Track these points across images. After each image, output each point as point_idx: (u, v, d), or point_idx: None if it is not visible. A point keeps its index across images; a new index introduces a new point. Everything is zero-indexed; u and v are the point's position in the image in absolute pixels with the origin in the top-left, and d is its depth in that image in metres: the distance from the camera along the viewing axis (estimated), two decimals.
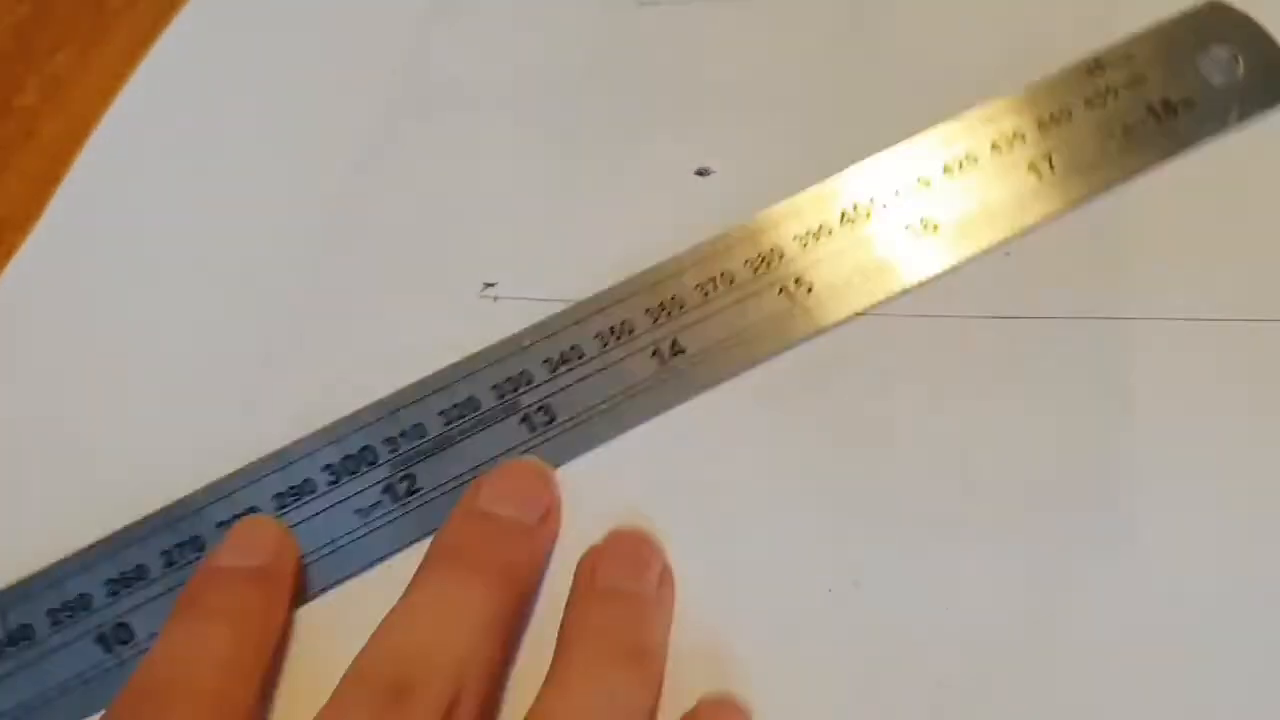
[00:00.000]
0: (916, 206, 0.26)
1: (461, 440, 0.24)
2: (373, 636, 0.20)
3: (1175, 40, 0.27)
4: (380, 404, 0.25)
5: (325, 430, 0.25)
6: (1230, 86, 0.26)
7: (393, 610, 0.21)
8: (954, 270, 0.26)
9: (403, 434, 0.24)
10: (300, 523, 0.24)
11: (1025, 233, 0.26)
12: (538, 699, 0.20)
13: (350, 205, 0.31)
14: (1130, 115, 0.26)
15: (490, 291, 0.28)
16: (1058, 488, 0.23)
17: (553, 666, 0.21)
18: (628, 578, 0.22)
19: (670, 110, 0.31)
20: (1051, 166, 0.26)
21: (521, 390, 0.24)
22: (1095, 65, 0.27)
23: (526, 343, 0.25)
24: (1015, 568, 0.22)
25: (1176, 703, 0.20)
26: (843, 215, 0.26)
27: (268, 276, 0.30)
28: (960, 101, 0.27)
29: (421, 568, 0.22)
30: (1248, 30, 0.27)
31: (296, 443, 0.25)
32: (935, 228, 0.26)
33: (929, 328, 0.25)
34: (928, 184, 0.26)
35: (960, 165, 0.26)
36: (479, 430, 0.24)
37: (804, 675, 0.20)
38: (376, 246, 0.30)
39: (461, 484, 0.24)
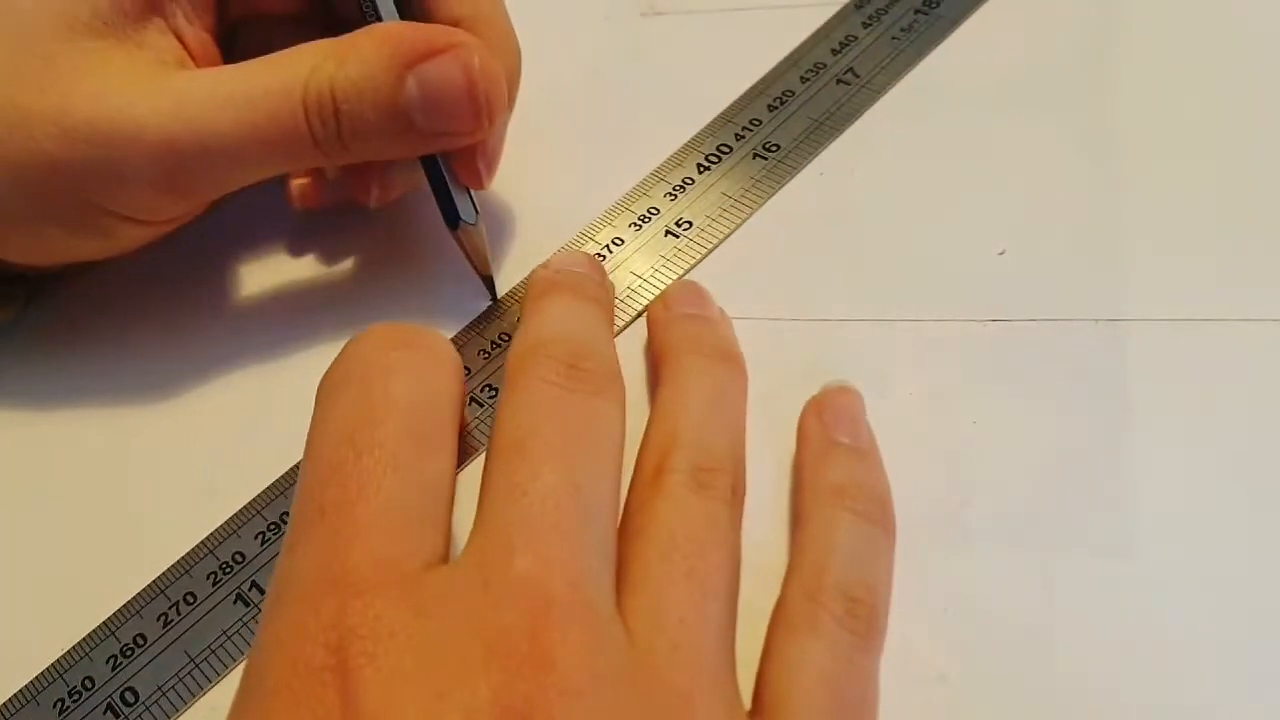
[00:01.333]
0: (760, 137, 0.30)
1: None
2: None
3: None
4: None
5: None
6: None
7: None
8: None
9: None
10: None
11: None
12: (659, 399, 0.23)
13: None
14: (903, 20, 0.32)
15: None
16: (1057, 491, 0.22)
17: (664, 374, 0.24)
18: (696, 306, 0.26)
19: (671, 119, 0.31)
20: (856, 75, 0.31)
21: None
22: (860, 1, 0.33)
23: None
24: (1014, 568, 0.22)
25: (1178, 704, 0.20)
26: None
27: (272, 272, 0.30)
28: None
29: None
30: None
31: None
32: (777, 148, 0.30)
33: (925, 332, 0.25)
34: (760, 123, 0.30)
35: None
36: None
37: None
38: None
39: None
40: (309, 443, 0.20)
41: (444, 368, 0.21)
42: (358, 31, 0.25)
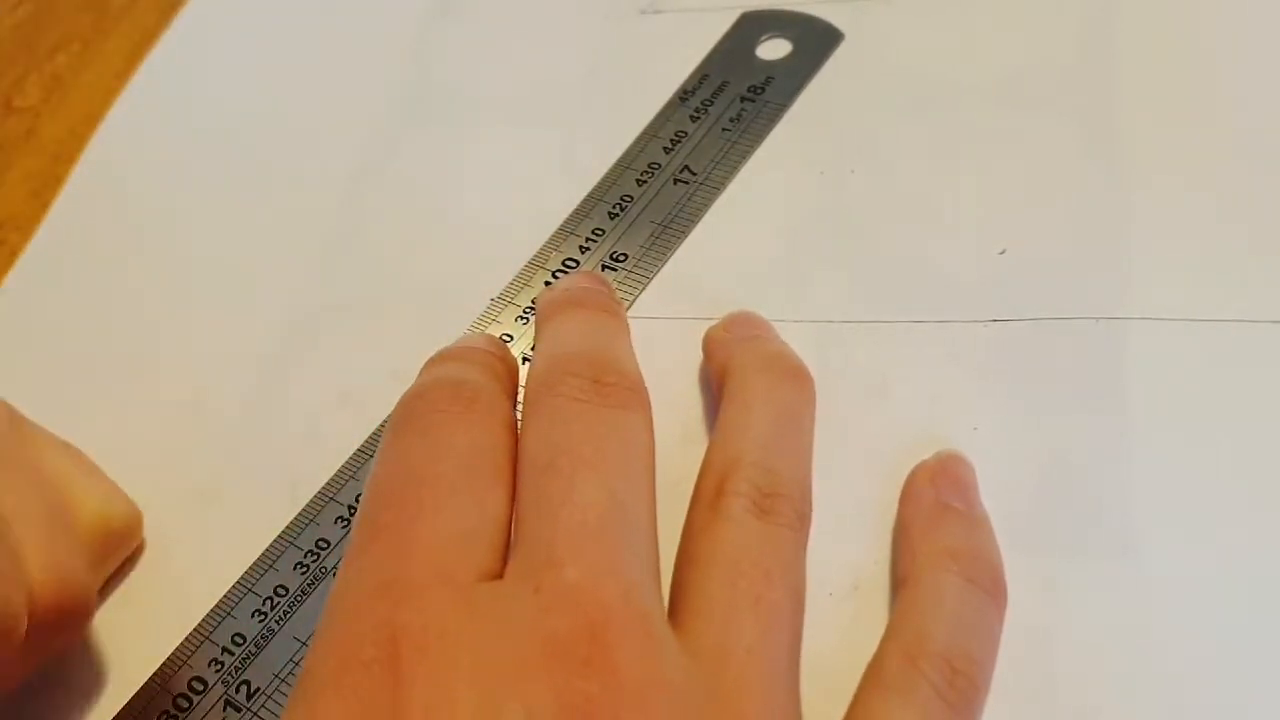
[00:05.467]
0: (606, 247, 0.29)
1: (281, 628, 0.24)
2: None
3: (732, 49, 0.33)
4: (195, 632, 0.24)
5: (147, 686, 0.23)
6: (789, 56, 0.33)
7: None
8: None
9: (224, 649, 0.23)
10: None
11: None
12: (722, 418, 0.22)
13: (349, 213, 0.31)
14: (731, 110, 0.31)
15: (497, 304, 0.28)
16: (1058, 491, 0.22)
17: (727, 390, 0.23)
18: (757, 329, 0.25)
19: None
20: (693, 173, 0.30)
21: (325, 555, 0.24)
22: (683, 93, 0.32)
23: (319, 507, 0.25)
24: (1015, 569, 0.21)
25: (1178, 704, 0.20)
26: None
27: (267, 279, 0.30)
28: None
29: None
30: (781, 16, 0.33)
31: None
32: (625, 257, 0.29)
33: (925, 332, 0.25)
34: (603, 232, 0.29)
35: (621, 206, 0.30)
36: (295, 611, 0.24)
37: (804, 676, 0.20)
38: (375, 256, 0.30)
39: (295, 667, 0.23)
40: (371, 477, 0.20)
41: (502, 426, 0.21)
42: None
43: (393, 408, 0.22)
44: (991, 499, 0.22)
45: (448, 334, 0.27)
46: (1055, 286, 0.26)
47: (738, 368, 0.23)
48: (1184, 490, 0.22)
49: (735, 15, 0.34)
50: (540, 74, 0.28)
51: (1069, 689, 0.20)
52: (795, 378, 0.23)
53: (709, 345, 0.25)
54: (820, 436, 0.23)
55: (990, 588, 0.21)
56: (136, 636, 0.24)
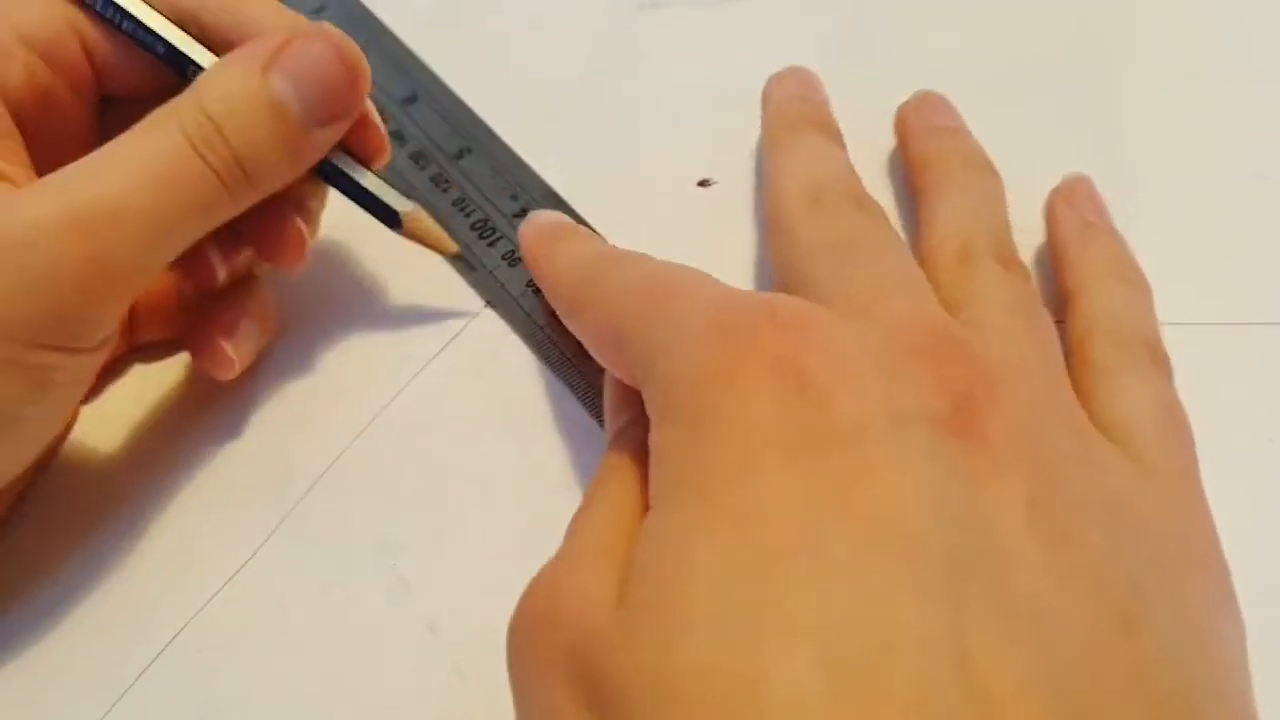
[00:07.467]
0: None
1: None
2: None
3: None
4: None
5: None
6: None
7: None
8: None
9: None
10: None
11: None
12: (944, 201, 0.25)
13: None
14: None
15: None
16: None
17: (936, 180, 0.26)
18: (946, 117, 0.28)
19: (670, 116, 0.31)
20: None
21: None
22: None
23: None
24: None
25: None
26: None
27: None
28: None
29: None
30: None
31: None
32: None
33: None
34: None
35: None
36: None
37: None
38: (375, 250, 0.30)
39: None
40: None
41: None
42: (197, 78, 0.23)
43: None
44: None
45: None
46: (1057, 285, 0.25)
47: (939, 162, 0.26)
48: None
49: (735, 8, 0.33)
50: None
51: None
52: (992, 172, 0.26)
53: (903, 131, 0.28)
54: None
55: (1144, 283, 0.24)
56: None
